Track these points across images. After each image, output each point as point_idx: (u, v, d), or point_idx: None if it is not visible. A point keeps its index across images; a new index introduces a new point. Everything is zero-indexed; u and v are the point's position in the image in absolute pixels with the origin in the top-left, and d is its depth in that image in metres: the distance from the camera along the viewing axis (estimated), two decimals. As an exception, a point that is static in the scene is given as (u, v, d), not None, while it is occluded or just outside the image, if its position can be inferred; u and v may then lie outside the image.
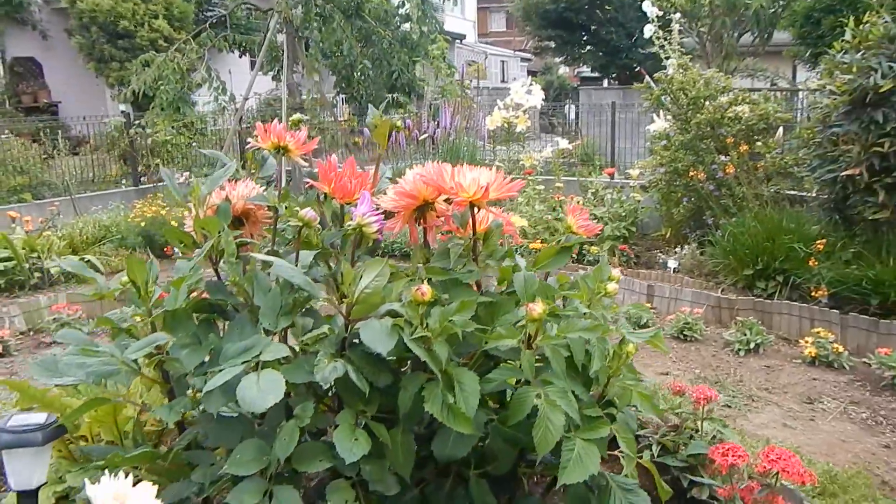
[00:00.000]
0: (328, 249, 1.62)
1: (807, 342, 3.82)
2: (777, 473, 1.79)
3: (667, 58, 6.29)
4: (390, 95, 9.33)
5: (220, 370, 1.38)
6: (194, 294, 1.64)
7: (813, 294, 4.27)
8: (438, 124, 8.15)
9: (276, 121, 1.83)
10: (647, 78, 6.22)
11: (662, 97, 5.86)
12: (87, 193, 8.62)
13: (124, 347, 1.53)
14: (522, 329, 1.46)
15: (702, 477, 2.01)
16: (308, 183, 1.69)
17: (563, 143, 7.57)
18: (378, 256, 1.57)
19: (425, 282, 1.48)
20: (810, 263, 4.37)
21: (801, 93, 8.13)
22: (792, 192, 5.41)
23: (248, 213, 1.79)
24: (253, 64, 10.17)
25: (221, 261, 1.63)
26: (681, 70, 5.82)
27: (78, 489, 1.80)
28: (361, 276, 1.45)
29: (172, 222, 5.68)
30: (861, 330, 3.91)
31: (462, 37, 24.31)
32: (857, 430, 3.05)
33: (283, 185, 1.70)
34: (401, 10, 9.60)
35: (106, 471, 1.14)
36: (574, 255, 2.50)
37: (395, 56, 9.07)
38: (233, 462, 1.39)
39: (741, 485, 1.88)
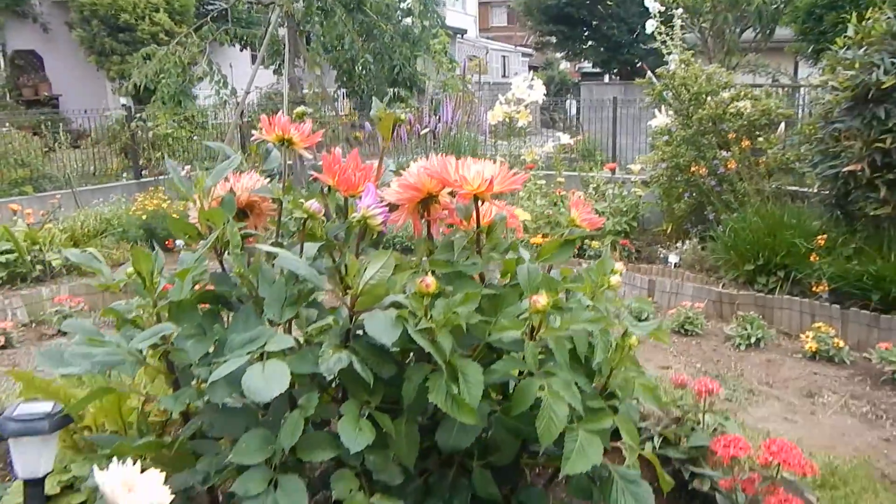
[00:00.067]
0: (332, 241, 1.63)
1: (807, 337, 3.83)
2: (778, 465, 1.80)
3: (668, 53, 6.27)
4: (392, 90, 9.32)
5: (225, 360, 1.39)
6: (199, 285, 1.65)
7: (814, 289, 4.28)
8: (440, 119, 8.13)
9: (280, 113, 1.83)
10: (649, 73, 6.21)
11: (664, 93, 5.86)
12: (88, 186, 8.63)
13: (130, 338, 1.54)
14: (526, 321, 1.46)
15: (703, 468, 2.02)
16: (312, 175, 1.69)
17: (565, 139, 7.56)
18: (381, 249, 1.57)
19: (430, 274, 1.49)
20: (811, 259, 4.37)
21: (802, 89, 8.12)
22: (793, 188, 5.41)
23: (252, 205, 1.80)
24: (254, 58, 10.18)
25: (226, 252, 1.64)
26: (683, 66, 5.80)
27: (83, 478, 1.82)
28: (366, 268, 1.46)
29: (174, 215, 5.68)
30: (862, 325, 3.93)
31: (463, 31, 24.28)
32: (858, 423, 3.07)
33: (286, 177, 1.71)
34: (402, 5, 9.59)
35: (113, 459, 1.15)
36: (575, 250, 2.51)
37: (397, 50, 9.06)
38: (238, 451, 1.39)
39: (742, 476, 1.89)
